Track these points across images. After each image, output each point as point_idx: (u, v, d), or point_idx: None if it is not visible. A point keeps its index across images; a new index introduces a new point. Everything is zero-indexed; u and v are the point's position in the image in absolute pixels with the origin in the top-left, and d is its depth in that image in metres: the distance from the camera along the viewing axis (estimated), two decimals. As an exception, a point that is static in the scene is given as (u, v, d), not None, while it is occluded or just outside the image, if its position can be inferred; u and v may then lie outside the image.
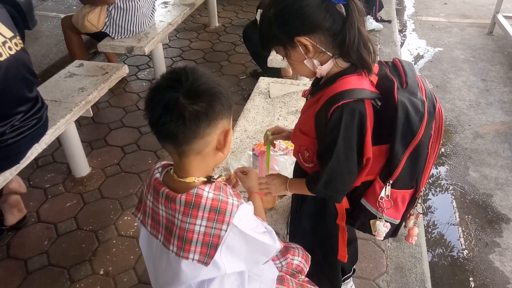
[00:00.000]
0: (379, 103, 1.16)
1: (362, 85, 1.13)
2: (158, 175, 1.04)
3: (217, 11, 5.01)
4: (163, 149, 2.92)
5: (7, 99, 1.82)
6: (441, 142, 1.23)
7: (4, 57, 1.77)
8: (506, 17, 4.64)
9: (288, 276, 1.36)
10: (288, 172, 1.74)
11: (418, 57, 4.52)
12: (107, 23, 3.17)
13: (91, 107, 2.59)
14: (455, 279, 2.20)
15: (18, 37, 1.89)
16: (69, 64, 2.89)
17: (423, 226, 2.46)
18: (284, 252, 1.42)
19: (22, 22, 3.83)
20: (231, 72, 4.03)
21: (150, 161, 2.87)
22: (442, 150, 3.11)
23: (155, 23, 3.48)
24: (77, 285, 2.05)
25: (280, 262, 1.40)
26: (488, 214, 2.57)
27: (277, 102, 2.29)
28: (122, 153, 2.95)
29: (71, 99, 2.43)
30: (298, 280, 1.40)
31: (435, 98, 1.21)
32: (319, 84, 1.24)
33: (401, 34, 5.04)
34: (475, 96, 3.75)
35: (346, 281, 1.86)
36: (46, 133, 2.11)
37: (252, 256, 1.02)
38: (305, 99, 1.34)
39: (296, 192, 1.40)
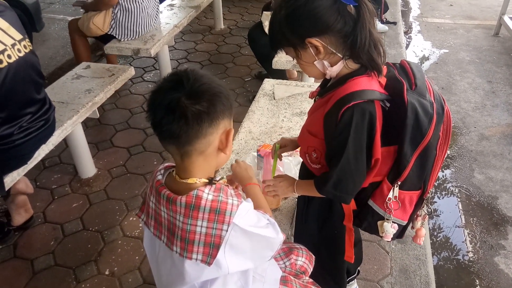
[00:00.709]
0: (388, 104, 1.16)
1: (372, 86, 1.14)
2: (160, 177, 1.05)
3: (223, 14, 5.03)
4: (168, 150, 2.86)
5: (16, 101, 1.85)
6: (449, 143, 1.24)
7: (13, 59, 1.80)
8: (512, 18, 4.62)
9: (291, 277, 1.37)
10: (293, 173, 1.74)
11: (423, 59, 4.51)
12: (113, 25, 3.20)
13: (97, 108, 2.62)
14: (460, 282, 2.19)
15: (27, 40, 1.92)
16: (76, 66, 2.92)
17: (428, 228, 2.46)
18: (287, 252, 1.42)
19: (29, 24, 3.87)
20: (236, 74, 4.04)
21: (155, 163, 2.89)
22: (448, 152, 3.10)
23: (161, 25, 3.51)
24: (83, 285, 2.07)
25: (284, 263, 1.40)
26: (493, 217, 2.56)
27: (281, 103, 2.30)
28: (128, 155, 2.97)
29: (78, 100, 2.46)
30: (302, 281, 1.40)
31: (443, 100, 1.21)
32: (328, 85, 1.25)
33: (407, 36, 5.04)
34: (480, 98, 3.74)
35: (350, 283, 1.87)
36: (53, 134, 2.14)
37: (257, 252, 1.02)
38: (312, 100, 1.35)
39: (304, 193, 1.40)
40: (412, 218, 1.34)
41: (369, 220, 1.31)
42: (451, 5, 5.94)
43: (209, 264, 0.94)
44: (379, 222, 1.29)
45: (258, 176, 1.62)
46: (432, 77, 4.08)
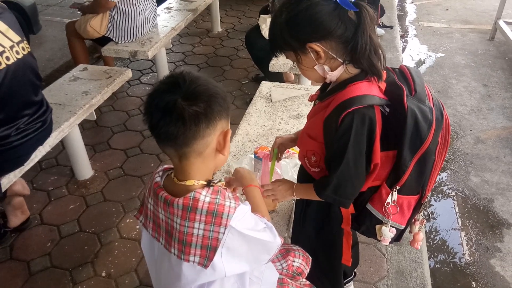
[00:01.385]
0: (387, 110, 1.17)
1: (372, 91, 1.14)
2: (158, 179, 1.05)
3: (220, 17, 5.05)
4: (165, 152, 2.85)
5: (14, 102, 1.85)
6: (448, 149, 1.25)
7: (11, 61, 1.80)
8: (507, 23, 4.65)
9: (288, 279, 1.37)
10: (289, 175, 1.75)
11: (419, 63, 4.54)
12: (110, 28, 3.20)
13: (94, 110, 2.62)
14: (455, 284, 2.20)
15: (25, 42, 1.92)
16: (73, 68, 2.92)
17: (424, 231, 2.47)
18: (284, 254, 1.42)
19: (27, 26, 3.87)
20: (234, 76, 4.05)
21: (152, 164, 2.89)
22: (443, 155, 3.11)
23: (158, 28, 3.51)
24: (79, 287, 2.07)
25: (281, 264, 1.40)
26: (489, 219, 2.57)
27: (278, 106, 2.31)
28: (125, 156, 2.97)
29: (75, 102, 2.46)
30: (299, 283, 1.41)
31: (442, 105, 1.22)
32: (328, 90, 1.25)
33: (403, 40, 5.07)
34: (476, 101, 3.77)
35: (347, 285, 1.87)
36: (50, 136, 2.14)
37: (253, 255, 1.03)
38: (310, 103, 1.35)
39: (303, 197, 1.40)
40: (410, 222, 1.35)
41: (367, 224, 1.32)
42: (447, 9, 5.98)
43: (205, 266, 0.94)
44: (377, 226, 1.30)
45: (256, 178, 1.62)
46: (428, 80, 4.11)
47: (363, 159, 1.16)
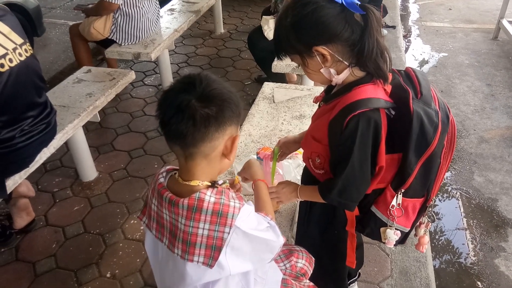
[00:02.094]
0: (393, 113, 1.16)
1: (377, 94, 1.14)
2: (162, 179, 1.06)
3: (223, 18, 5.06)
4: (169, 154, 2.93)
5: (17, 104, 1.86)
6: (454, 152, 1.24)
7: (14, 63, 1.82)
8: (511, 22, 4.63)
9: (292, 280, 1.37)
10: (292, 176, 1.75)
11: (422, 62, 4.53)
12: (114, 30, 3.22)
13: (98, 112, 2.63)
14: (460, 284, 2.19)
15: (28, 44, 1.93)
16: (77, 70, 2.94)
17: (429, 232, 2.46)
18: (288, 254, 1.42)
19: (31, 29, 3.90)
20: (236, 77, 4.06)
21: (156, 166, 2.90)
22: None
23: (161, 30, 3.53)
24: (84, 288, 2.08)
25: (284, 265, 1.40)
26: (493, 219, 2.56)
27: (281, 107, 2.32)
28: (129, 158, 2.98)
29: (79, 104, 2.47)
30: (303, 284, 1.41)
31: (448, 108, 1.21)
32: (334, 92, 1.24)
33: (406, 40, 5.06)
34: (480, 101, 3.75)
35: (351, 285, 1.87)
36: (55, 137, 2.15)
37: (257, 254, 1.03)
38: (313, 104, 1.35)
39: (307, 199, 1.40)
40: (414, 225, 1.35)
41: (371, 227, 1.32)
42: (450, 9, 5.96)
43: (210, 266, 0.95)
44: (382, 229, 1.30)
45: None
46: (431, 80, 4.07)
47: (369, 162, 1.15)
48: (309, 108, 2.27)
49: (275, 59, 2.80)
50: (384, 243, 1.31)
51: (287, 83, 3.21)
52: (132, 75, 2.90)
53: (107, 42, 3.29)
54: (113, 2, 3.07)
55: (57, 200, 2.62)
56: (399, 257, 2.18)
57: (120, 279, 2.12)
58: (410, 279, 2.06)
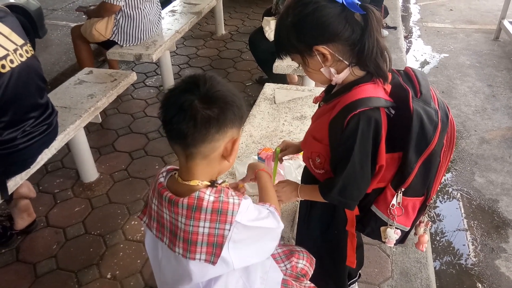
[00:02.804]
0: (393, 112, 1.17)
1: (377, 93, 1.14)
2: (162, 179, 1.06)
3: (224, 19, 5.07)
4: (170, 155, 2.93)
5: (19, 105, 1.86)
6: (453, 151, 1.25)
7: (15, 64, 1.82)
8: (512, 23, 4.64)
9: (292, 281, 1.37)
10: (293, 177, 1.76)
11: (423, 63, 4.53)
12: (115, 31, 3.23)
13: (99, 113, 2.64)
14: (461, 285, 2.19)
15: (28, 44, 1.94)
16: (79, 71, 2.94)
17: (429, 231, 2.46)
18: (288, 255, 1.43)
19: (32, 30, 3.91)
20: (238, 78, 4.07)
21: (157, 167, 2.90)
22: (448, 155, 3.10)
23: (163, 31, 3.54)
24: (85, 289, 2.09)
25: (285, 265, 1.41)
26: (494, 220, 2.56)
27: (282, 107, 2.32)
28: (130, 159, 2.99)
29: (81, 105, 2.48)
30: (304, 285, 1.41)
31: (448, 107, 1.22)
32: (334, 92, 1.25)
33: (407, 41, 5.06)
34: (481, 101, 3.75)
35: (351, 286, 1.87)
36: (56, 138, 2.16)
37: (260, 244, 1.04)
38: (314, 105, 1.36)
39: (308, 198, 1.40)
40: (415, 224, 1.35)
41: (372, 226, 1.32)
42: (451, 9, 5.96)
43: (213, 263, 0.96)
44: (382, 228, 1.30)
45: None
46: (432, 81, 4.10)
47: (369, 161, 1.16)
48: (310, 109, 2.28)
49: (276, 60, 2.81)
50: (384, 242, 1.32)
51: (288, 84, 3.21)
52: (133, 76, 2.90)
53: (109, 44, 3.29)
54: (115, 3, 3.08)
55: (58, 201, 2.63)
56: (400, 258, 2.18)
57: (120, 280, 2.12)
58: (410, 280, 2.06)
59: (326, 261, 1.53)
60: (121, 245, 2.31)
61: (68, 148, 2.84)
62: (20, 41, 1.89)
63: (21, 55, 1.87)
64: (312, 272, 1.47)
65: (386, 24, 4.93)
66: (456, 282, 2.20)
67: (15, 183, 1.98)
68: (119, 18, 3.20)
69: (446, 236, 2.50)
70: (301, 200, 1.54)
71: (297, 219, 1.63)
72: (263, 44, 3.33)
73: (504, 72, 4.23)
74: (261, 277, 1.21)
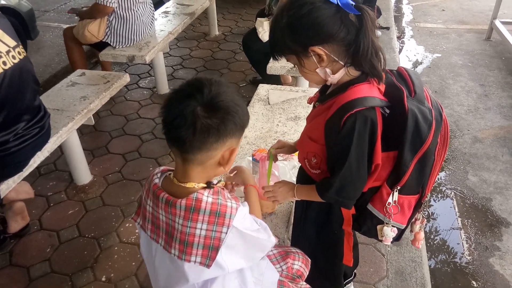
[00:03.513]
0: (387, 111, 1.18)
1: (372, 93, 1.15)
2: (157, 180, 1.06)
3: (217, 20, 5.07)
4: (164, 156, 2.92)
5: (12, 107, 1.85)
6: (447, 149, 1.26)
7: (8, 65, 1.81)
8: (503, 22, 4.68)
9: (288, 282, 1.37)
10: (288, 177, 1.76)
11: (416, 63, 4.56)
12: (108, 33, 3.21)
13: (92, 115, 2.62)
14: (455, 283, 2.20)
15: (21, 46, 1.92)
16: (71, 73, 2.93)
17: (424, 230, 2.47)
18: (284, 256, 1.43)
19: (24, 32, 3.88)
20: (231, 79, 4.06)
21: (151, 168, 2.89)
22: (441, 155, 3.12)
23: (156, 32, 3.52)
24: (80, 292, 2.07)
25: (281, 267, 1.41)
26: (488, 218, 2.58)
27: (276, 108, 2.32)
28: (124, 161, 2.97)
29: (73, 107, 2.46)
30: (299, 286, 1.41)
31: (441, 107, 1.23)
32: (329, 92, 1.25)
33: (400, 41, 5.08)
34: (473, 101, 3.78)
35: (347, 286, 1.87)
36: (49, 141, 2.14)
37: (250, 252, 1.05)
38: (308, 105, 1.36)
39: (304, 198, 1.40)
40: (410, 222, 1.36)
41: (368, 224, 1.33)
42: (443, 10, 6.00)
43: (208, 266, 0.96)
44: (378, 226, 1.31)
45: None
46: (425, 81, 4.12)
47: (365, 160, 1.17)
48: (304, 109, 2.28)
49: (270, 60, 2.82)
50: (381, 240, 1.33)
51: (282, 84, 3.21)
52: (126, 78, 2.89)
53: (102, 45, 3.28)
54: (108, 5, 3.07)
55: (51, 204, 2.61)
56: (395, 257, 2.18)
57: (115, 283, 2.11)
58: (405, 279, 2.07)
59: (321, 261, 1.54)
60: (116, 248, 2.30)
61: (61, 150, 2.83)
62: (12, 42, 1.87)
63: (13, 57, 1.85)
64: (307, 273, 1.47)
65: (379, 24, 4.95)
66: (450, 281, 2.22)
67: (7, 186, 1.96)
68: (112, 19, 3.18)
69: (441, 235, 2.51)
70: (296, 201, 1.54)
71: (292, 220, 1.63)
72: (256, 45, 3.34)
73: (496, 71, 4.26)
74: (257, 278, 1.21)
